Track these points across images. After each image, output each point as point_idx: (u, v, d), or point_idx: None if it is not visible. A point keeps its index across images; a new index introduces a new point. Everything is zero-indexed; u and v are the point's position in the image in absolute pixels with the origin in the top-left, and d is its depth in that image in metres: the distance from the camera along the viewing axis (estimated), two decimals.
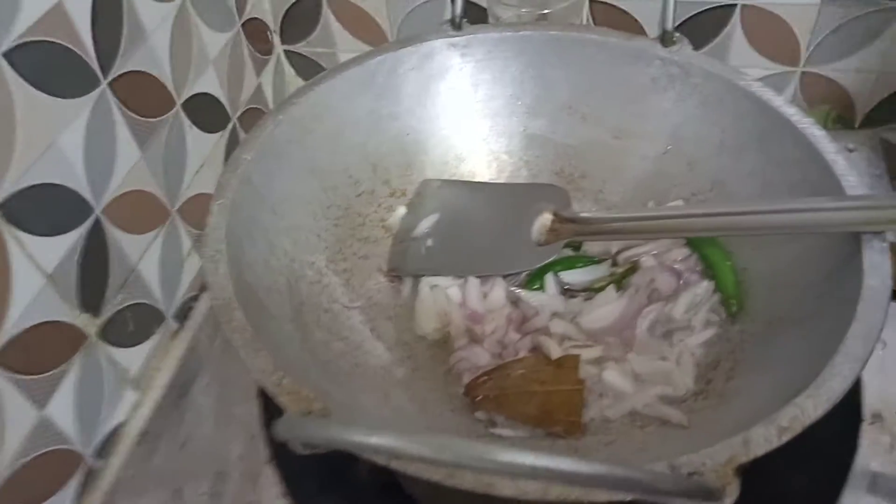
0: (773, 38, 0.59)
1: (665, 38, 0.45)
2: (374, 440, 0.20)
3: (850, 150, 0.57)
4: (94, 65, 0.43)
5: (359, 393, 0.36)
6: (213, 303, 0.31)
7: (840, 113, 0.62)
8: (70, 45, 0.41)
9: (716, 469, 0.26)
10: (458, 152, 0.51)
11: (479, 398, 0.38)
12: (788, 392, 0.29)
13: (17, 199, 0.38)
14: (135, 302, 0.48)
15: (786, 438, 0.27)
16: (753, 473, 0.32)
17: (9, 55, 0.36)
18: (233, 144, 0.60)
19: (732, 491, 0.25)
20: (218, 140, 0.58)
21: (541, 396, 0.37)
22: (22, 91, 0.37)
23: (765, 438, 0.27)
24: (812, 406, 0.28)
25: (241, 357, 0.29)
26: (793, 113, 0.40)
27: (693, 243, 0.44)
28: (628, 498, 0.25)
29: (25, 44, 0.37)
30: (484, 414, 0.38)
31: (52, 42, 0.40)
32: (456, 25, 0.47)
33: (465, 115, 0.50)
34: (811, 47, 0.58)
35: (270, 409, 0.44)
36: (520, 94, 0.50)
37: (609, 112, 0.48)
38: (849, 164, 0.37)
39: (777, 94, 0.42)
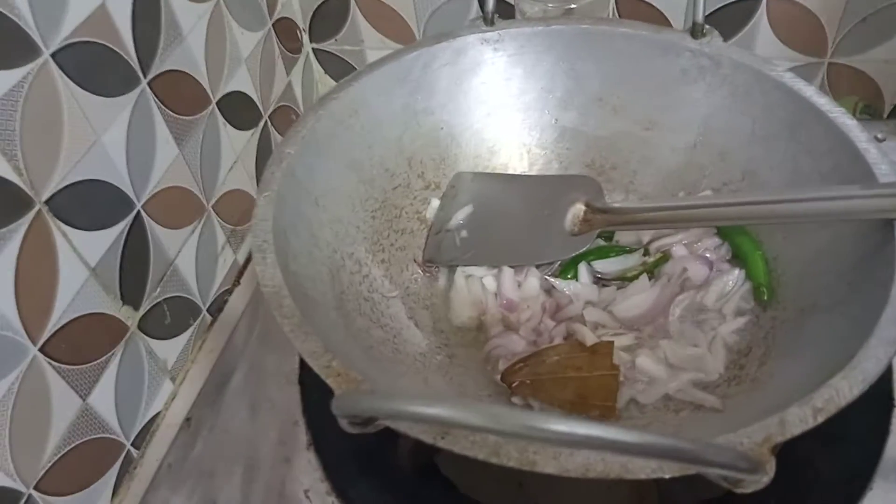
0: (799, 29, 0.59)
1: (695, 30, 0.46)
2: (434, 410, 0.21)
3: (880, 140, 0.57)
4: (135, 64, 0.45)
5: (399, 378, 0.38)
6: (263, 290, 0.33)
7: (868, 103, 0.62)
8: (112, 46, 0.43)
9: (753, 448, 0.27)
10: (491, 145, 0.53)
11: (515, 384, 0.39)
12: (821, 376, 0.30)
13: (64, 195, 0.40)
14: (172, 295, 0.50)
15: (821, 419, 0.28)
16: (786, 459, 0.33)
17: (56, 56, 0.38)
18: (264, 141, 0.62)
19: (770, 468, 0.26)
20: (250, 137, 0.60)
21: (576, 382, 0.38)
22: (69, 90, 0.39)
23: (800, 419, 0.28)
24: (847, 387, 0.29)
25: (292, 341, 0.31)
26: (824, 102, 0.41)
27: (724, 232, 0.46)
28: (668, 474, 0.26)
29: (71, 45, 0.39)
30: (520, 399, 0.40)
31: (96, 43, 0.42)
32: (488, 21, 0.49)
33: (498, 109, 0.52)
34: (838, 38, 0.59)
35: (310, 396, 0.46)
36: (551, 87, 0.51)
37: (639, 104, 0.50)
38: (880, 153, 0.38)
39: (808, 84, 0.43)
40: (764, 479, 0.26)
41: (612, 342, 0.40)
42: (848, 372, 0.29)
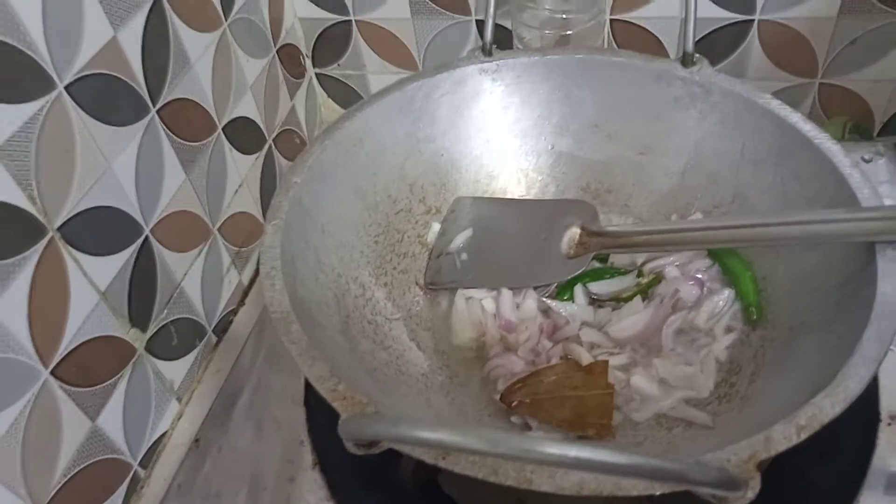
0: (790, 51, 0.61)
1: (685, 59, 0.48)
2: (436, 435, 0.22)
3: (867, 161, 0.59)
4: (145, 94, 0.46)
5: (402, 399, 0.39)
6: (272, 316, 0.35)
7: (858, 122, 0.64)
8: (123, 77, 0.44)
9: (739, 465, 0.28)
10: (490, 171, 0.55)
11: (514, 403, 0.41)
12: (808, 392, 0.31)
13: (76, 222, 0.41)
14: (178, 317, 0.52)
15: (805, 436, 0.29)
16: (776, 471, 0.34)
17: (70, 88, 0.40)
18: (269, 165, 0.64)
19: (755, 484, 0.27)
20: (255, 161, 0.62)
21: (573, 401, 0.40)
22: (81, 121, 0.41)
23: (784, 436, 0.29)
24: (829, 405, 0.30)
25: (299, 366, 0.32)
26: (809, 129, 0.43)
27: (714, 254, 0.47)
28: (658, 491, 0.27)
29: (84, 77, 0.41)
30: (519, 418, 0.41)
31: (108, 74, 0.43)
32: (487, 52, 0.51)
33: (496, 136, 0.54)
34: (828, 59, 0.61)
35: (315, 416, 0.47)
36: (547, 114, 0.53)
37: (633, 129, 0.52)
38: (863, 178, 0.40)
39: (794, 110, 0.44)
40: (748, 494, 0.27)
41: (608, 361, 0.42)
42: (831, 390, 0.31)
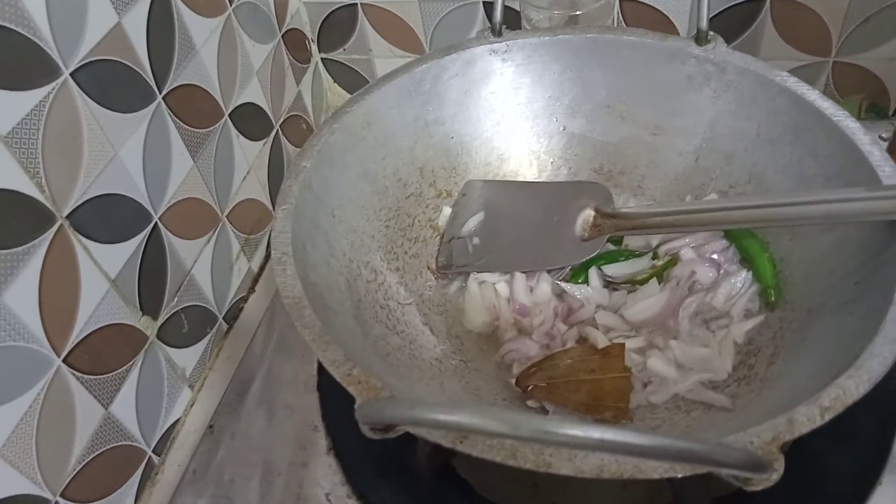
0: (803, 29, 0.60)
1: (699, 37, 0.47)
2: (454, 417, 0.22)
3: (885, 140, 0.58)
4: (150, 80, 0.46)
5: (416, 383, 0.39)
6: (284, 301, 0.34)
7: (873, 101, 0.63)
8: (129, 63, 0.44)
9: (762, 447, 0.28)
10: (501, 153, 0.54)
11: (530, 388, 0.40)
12: (829, 375, 0.31)
13: (84, 210, 0.41)
14: (189, 304, 0.51)
15: (828, 417, 0.29)
16: (794, 457, 0.34)
17: (76, 75, 0.40)
18: (276, 151, 0.63)
19: (779, 466, 0.27)
20: (262, 147, 0.61)
21: (589, 384, 0.39)
22: (87, 108, 0.41)
23: (808, 418, 0.29)
24: (853, 386, 0.30)
25: (314, 350, 0.32)
26: (827, 106, 0.42)
27: (731, 235, 0.47)
28: (680, 474, 0.27)
29: (90, 63, 0.41)
30: (535, 402, 0.41)
31: (113, 60, 0.43)
32: (496, 32, 0.50)
33: (507, 118, 0.53)
34: (842, 37, 0.60)
35: (329, 402, 0.47)
36: (559, 95, 0.52)
37: (646, 110, 0.51)
38: (883, 155, 0.39)
39: (811, 87, 0.43)
40: (773, 476, 0.27)
41: (624, 344, 0.41)
42: (854, 371, 0.30)
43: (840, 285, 0.39)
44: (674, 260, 0.46)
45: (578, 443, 0.21)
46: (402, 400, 0.28)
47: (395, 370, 0.38)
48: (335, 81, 0.75)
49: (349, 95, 0.49)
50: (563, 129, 0.53)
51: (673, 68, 0.49)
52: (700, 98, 0.48)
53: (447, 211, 0.52)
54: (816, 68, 0.62)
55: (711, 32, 0.47)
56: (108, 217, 0.43)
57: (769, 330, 0.42)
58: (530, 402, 0.41)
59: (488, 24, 0.51)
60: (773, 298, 0.43)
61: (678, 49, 0.48)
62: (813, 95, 0.43)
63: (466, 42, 0.51)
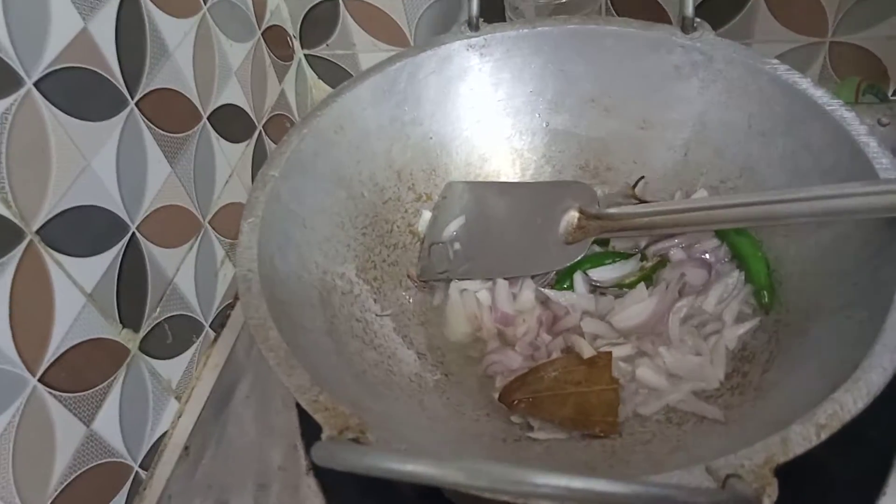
0: (798, 9, 0.57)
1: (685, 25, 0.44)
2: (410, 468, 0.20)
3: (884, 124, 0.55)
4: (122, 86, 0.44)
5: (394, 402, 0.37)
6: (248, 322, 0.32)
7: (872, 82, 0.60)
8: (97, 69, 0.42)
9: (754, 470, 0.26)
10: (482, 153, 0.51)
11: (514, 402, 0.38)
12: (827, 384, 0.29)
13: (56, 224, 0.39)
14: (173, 314, 0.49)
15: (825, 436, 0.27)
16: (799, 464, 0.31)
17: (40, 84, 0.37)
18: (260, 152, 0.61)
19: (772, 492, 0.25)
20: (245, 149, 0.59)
21: (576, 398, 0.37)
22: (55, 118, 0.38)
23: (803, 437, 0.27)
24: (851, 401, 0.27)
25: (278, 375, 0.30)
26: (820, 95, 0.39)
27: (722, 233, 0.44)
28: None
29: (55, 71, 0.38)
30: (519, 417, 0.38)
31: (80, 68, 0.41)
32: (473, 26, 0.47)
33: (487, 115, 0.50)
34: (839, 16, 0.57)
35: (308, 421, 0.45)
36: (541, 90, 0.49)
37: (632, 103, 0.48)
38: (881, 146, 0.36)
39: (803, 76, 0.41)
40: (766, 502, 0.24)
41: (611, 353, 0.39)
42: (852, 385, 0.28)
43: (838, 286, 0.36)
44: (663, 261, 0.44)
45: (545, 493, 0.19)
46: (358, 447, 0.25)
47: (371, 389, 0.36)
48: (319, 78, 0.72)
49: (315, 105, 0.46)
50: (547, 126, 0.50)
51: (659, 58, 0.46)
52: (688, 89, 0.45)
53: (427, 215, 0.49)
54: (813, 49, 0.59)
55: (698, 19, 0.44)
56: (81, 230, 0.41)
57: (764, 334, 0.39)
58: (514, 418, 0.38)
59: (464, 19, 0.48)
60: (766, 300, 0.40)
61: (663, 38, 0.45)
62: (805, 84, 0.40)
63: (442, 38, 0.48)
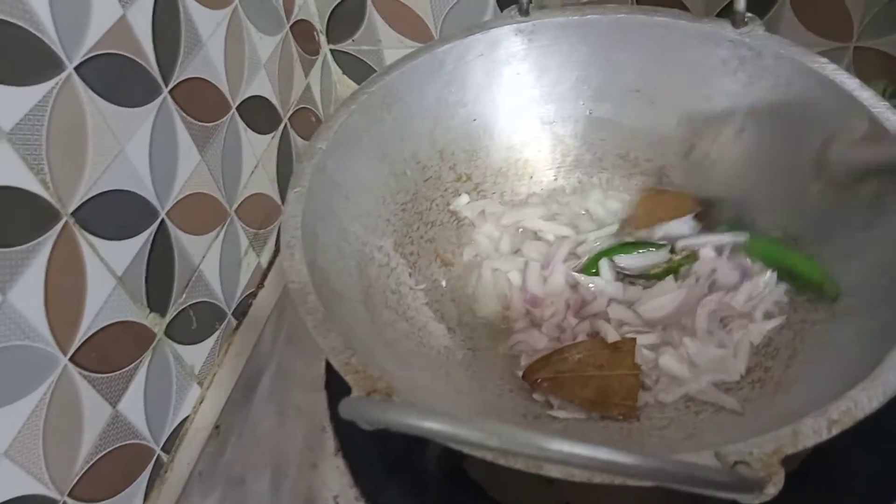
0: (823, 13, 0.63)
1: (736, 19, 0.50)
2: (428, 424, 0.24)
3: None
4: (156, 74, 0.51)
5: (421, 371, 0.44)
6: (289, 286, 0.39)
7: None
8: (134, 56, 0.49)
9: (762, 458, 0.29)
10: (523, 137, 0.58)
11: (537, 381, 0.44)
12: (845, 382, 0.32)
13: (90, 206, 0.45)
14: (197, 300, 0.57)
15: (836, 431, 0.30)
16: (820, 456, 0.34)
17: (80, 69, 0.44)
18: (285, 145, 0.69)
19: (777, 481, 0.28)
20: (270, 141, 0.67)
21: (597, 381, 0.43)
22: (92, 103, 0.45)
23: (814, 430, 0.30)
24: (866, 399, 0.31)
25: (314, 337, 0.36)
26: (867, 97, 0.44)
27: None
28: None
29: (94, 57, 0.45)
30: (541, 396, 0.44)
31: (118, 54, 0.47)
32: (523, 11, 0.54)
33: (531, 100, 0.57)
34: (864, 21, 0.62)
35: (337, 401, 0.49)
36: (586, 78, 0.56)
37: (677, 95, 0.54)
38: None
39: (851, 76, 0.46)
40: (769, 490, 0.28)
41: (634, 339, 0.44)
42: (869, 383, 0.32)
43: (868, 287, 0.41)
44: (692, 256, 0.48)
45: (552, 457, 0.23)
46: (380, 401, 0.30)
47: (401, 358, 0.44)
48: (344, 73, 0.80)
49: (364, 82, 0.51)
50: (590, 114, 0.58)
51: (706, 51, 0.52)
52: (734, 83, 0.51)
53: (465, 198, 0.56)
54: (837, 54, 0.65)
55: (749, 14, 0.50)
56: (114, 213, 0.47)
57: (789, 331, 0.46)
58: (536, 396, 0.46)
59: (498, 13, 0.52)
60: (833, 294, 0.43)
61: (713, 31, 0.51)
62: (853, 84, 0.45)
63: (491, 21, 0.55)
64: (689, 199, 0.50)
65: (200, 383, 0.57)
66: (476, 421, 0.25)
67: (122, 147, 0.47)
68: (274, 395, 0.55)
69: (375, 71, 0.76)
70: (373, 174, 0.50)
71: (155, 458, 0.52)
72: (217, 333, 0.59)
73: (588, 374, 0.43)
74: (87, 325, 0.45)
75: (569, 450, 0.23)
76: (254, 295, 0.64)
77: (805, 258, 0.46)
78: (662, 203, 0.51)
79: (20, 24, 0.39)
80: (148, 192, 0.50)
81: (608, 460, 0.23)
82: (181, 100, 0.52)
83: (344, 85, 0.81)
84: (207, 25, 0.55)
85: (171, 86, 0.51)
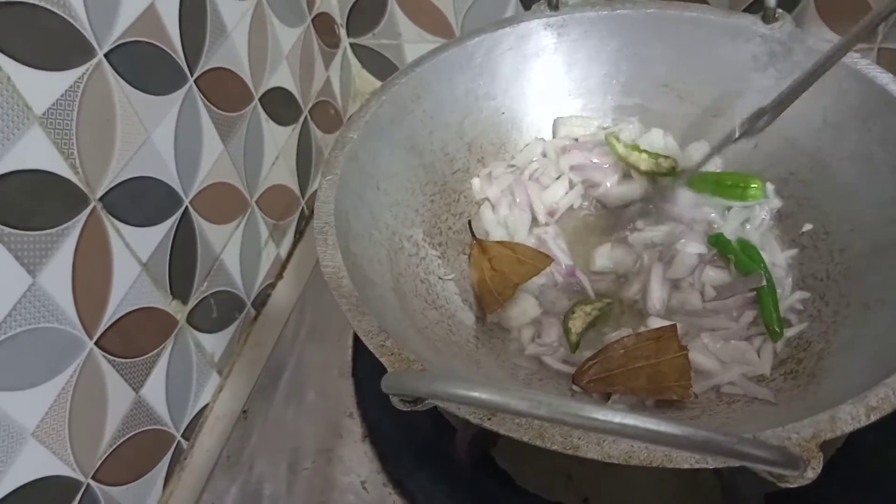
0: (848, 13, 0.63)
1: (766, 15, 0.52)
2: (475, 394, 0.25)
3: None
4: (182, 62, 0.52)
5: (452, 359, 0.45)
6: (323, 270, 0.40)
7: None
8: (161, 45, 0.50)
9: (800, 443, 0.30)
10: (551, 130, 0.59)
11: (588, 383, 0.46)
12: (881, 371, 0.33)
13: (117, 192, 0.46)
14: (218, 289, 0.59)
15: (874, 418, 0.31)
16: (851, 449, 0.35)
17: (109, 56, 0.45)
18: (305, 137, 0.71)
19: (816, 464, 0.29)
20: (291, 133, 0.69)
21: (648, 369, 0.45)
22: (121, 89, 0.46)
23: (852, 416, 0.31)
24: None
25: (349, 320, 0.39)
26: None
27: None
28: (712, 465, 0.29)
29: (124, 44, 0.46)
30: (598, 395, 0.46)
31: (146, 42, 0.49)
32: (553, 6, 0.56)
33: (560, 94, 0.59)
34: (890, 22, 0.62)
35: (364, 389, 0.52)
36: (614, 72, 0.58)
37: (706, 90, 0.56)
38: None
39: (884, 70, 0.47)
40: (808, 474, 0.29)
41: (675, 325, 0.46)
42: None
43: None
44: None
45: (600, 426, 0.24)
46: (426, 373, 0.31)
47: (432, 345, 0.45)
48: (363, 67, 0.82)
49: (377, 81, 0.53)
50: (618, 108, 0.57)
51: (736, 47, 0.53)
52: (764, 79, 0.53)
53: (476, 182, 0.57)
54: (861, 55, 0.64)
55: (780, 10, 0.52)
56: (140, 200, 0.49)
57: (822, 324, 0.47)
58: (594, 395, 0.46)
59: (519, 9, 0.54)
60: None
61: (743, 27, 0.53)
62: (886, 79, 0.47)
63: (521, 15, 0.57)
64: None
65: (220, 372, 0.59)
66: (523, 390, 0.25)
67: (149, 134, 0.48)
68: (296, 383, 0.56)
69: (395, 66, 0.79)
70: (402, 165, 0.52)
71: (175, 444, 0.54)
72: (236, 323, 0.61)
73: (638, 365, 0.44)
74: (113, 309, 0.46)
75: (618, 420, 0.23)
76: (273, 286, 0.66)
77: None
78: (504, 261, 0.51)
79: (53, 9, 0.40)
80: (173, 179, 0.51)
81: (658, 430, 0.23)
82: (206, 89, 0.54)
83: (363, 79, 0.82)
84: (233, 16, 0.57)
85: (196, 75, 0.53)
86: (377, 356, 0.35)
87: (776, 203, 0.53)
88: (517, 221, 0.56)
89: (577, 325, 0.49)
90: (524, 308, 0.51)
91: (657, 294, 0.49)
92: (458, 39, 0.55)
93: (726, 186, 0.53)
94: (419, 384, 0.28)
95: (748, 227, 0.53)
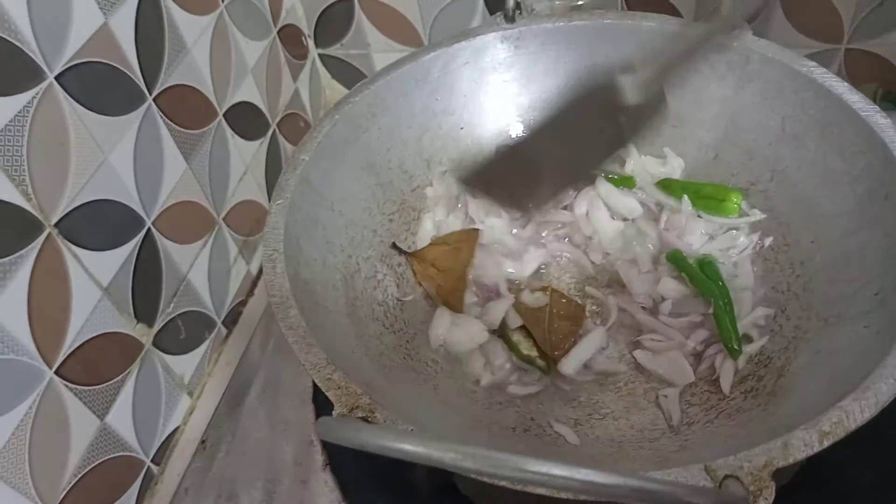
0: (814, 15, 0.62)
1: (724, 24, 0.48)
2: (402, 445, 0.24)
3: None
4: (140, 81, 0.50)
5: (408, 385, 0.43)
6: (271, 300, 0.39)
7: (889, 89, 0.64)
8: (117, 64, 0.48)
9: (752, 472, 0.29)
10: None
11: None
12: (837, 392, 0.32)
13: (74, 217, 0.44)
14: (186, 310, 0.56)
15: (827, 443, 0.30)
16: (816, 468, 0.33)
17: (61, 78, 0.43)
18: (273, 151, 0.68)
19: (768, 495, 0.28)
20: (259, 147, 0.67)
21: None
22: (74, 112, 0.44)
23: (805, 443, 0.30)
24: (858, 410, 0.31)
25: (295, 352, 0.35)
26: (857, 100, 0.45)
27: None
28: None
29: (76, 66, 0.44)
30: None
31: (100, 62, 0.46)
32: (509, 18, 0.54)
33: (519, 108, 0.56)
34: (855, 23, 0.62)
35: (324, 416, 0.49)
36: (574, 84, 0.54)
37: None
38: None
39: (840, 79, 0.46)
40: None
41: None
42: (860, 394, 0.32)
43: (860, 294, 0.41)
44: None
45: (530, 479, 0.23)
46: (354, 422, 0.29)
47: (387, 371, 0.43)
48: (333, 77, 0.80)
49: (348, 92, 0.50)
50: None
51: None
52: (722, 88, 0.51)
53: (430, 191, 0.55)
54: (828, 56, 0.64)
55: (739, 19, 0.49)
56: (98, 224, 0.47)
57: (782, 339, 0.45)
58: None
59: (487, 18, 0.52)
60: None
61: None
62: (841, 88, 0.46)
63: (477, 29, 0.55)
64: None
65: (191, 393, 0.56)
66: (452, 443, 0.24)
67: (106, 156, 0.46)
68: (262, 408, 0.54)
69: (364, 75, 0.77)
70: (359, 185, 0.50)
71: (145, 469, 0.51)
72: (207, 343, 0.58)
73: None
74: (73, 337, 0.44)
75: (546, 470, 0.23)
76: (244, 303, 0.63)
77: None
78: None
79: None
80: (133, 201, 0.49)
81: (587, 480, 0.23)
82: (166, 107, 0.52)
83: (333, 89, 0.80)
84: (192, 31, 0.55)
85: (155, 93, 0.50)
86: (323, 390, 0.34)
87: (759, 219, 0.50)
88: (451, 227, 0.53)
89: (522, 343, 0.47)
90: (470, 334, 0.48)
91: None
92: (413, 55, 0.53)
93: (703, 198, 0.50)
94: (347, 434, 0.26)
95: (731, 252, 0.50)
